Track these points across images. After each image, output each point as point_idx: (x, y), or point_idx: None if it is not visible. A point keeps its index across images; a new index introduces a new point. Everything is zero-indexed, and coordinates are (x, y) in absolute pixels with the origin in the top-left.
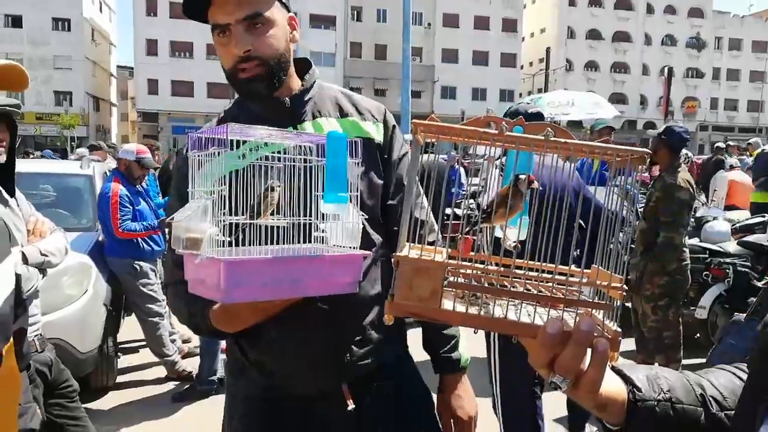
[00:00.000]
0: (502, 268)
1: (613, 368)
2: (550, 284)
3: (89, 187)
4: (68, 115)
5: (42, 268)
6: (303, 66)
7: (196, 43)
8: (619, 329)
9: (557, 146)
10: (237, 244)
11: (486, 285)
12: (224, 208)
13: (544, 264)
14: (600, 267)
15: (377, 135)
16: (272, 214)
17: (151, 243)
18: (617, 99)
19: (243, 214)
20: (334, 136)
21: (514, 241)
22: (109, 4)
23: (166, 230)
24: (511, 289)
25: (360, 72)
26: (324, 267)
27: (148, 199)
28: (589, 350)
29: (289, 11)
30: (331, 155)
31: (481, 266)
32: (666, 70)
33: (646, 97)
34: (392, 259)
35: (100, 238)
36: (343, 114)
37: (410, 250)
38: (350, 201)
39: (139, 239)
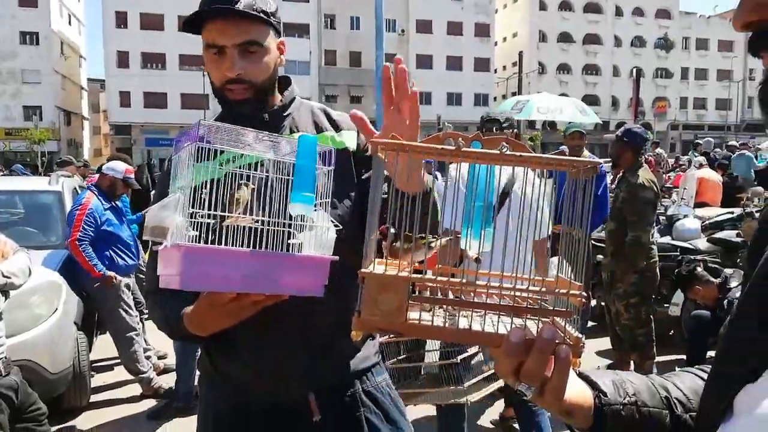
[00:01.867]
0: (465, 280)
1: (579, 374)
2: (513, 293)
3: (58, 204)
4: (38, 129)
5: (4, 290)
6: (282, 82)
7: (168, 55)
8: (581, 335)
9: (513, 160)
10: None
11: (452, 296)
12: (201, 209)
13: (506, 274)
14: (560, 274)
15: (351, 143)
16: (246, 214)
17: (125, 257)
18: (590, 101)
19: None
20: (305, 139)
21: (477, 252)
22: (78, 17)
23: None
24: (475, 300)
25: (335, 79)
26: (289, 265)
27: (124, 216)
28: (552, 357)
29: (279, 36)
30: (300, 156)
31: (445, 279)
32: (634, 71)
33: (617, 98)
34: (358, 275)
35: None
36: (319, 129)
37: (376, 266)
38: (322, 208)
39: (112, 253)
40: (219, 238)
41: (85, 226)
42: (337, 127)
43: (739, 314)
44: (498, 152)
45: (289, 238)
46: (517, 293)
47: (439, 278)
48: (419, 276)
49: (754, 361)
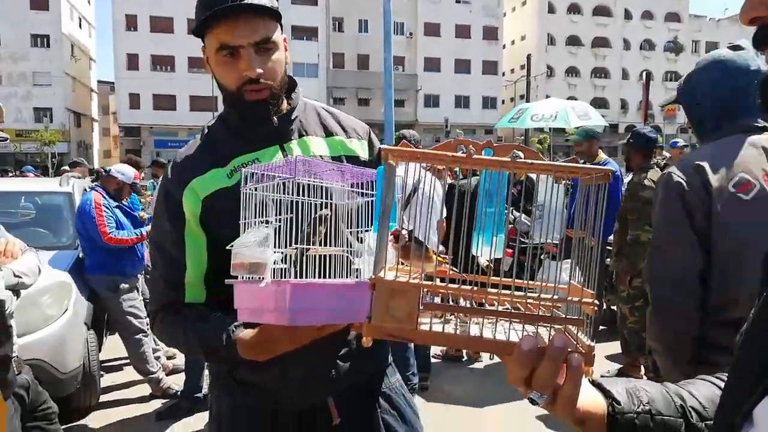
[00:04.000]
0: (476, 287)
1: (592, 382)
2: (525, 300)
3: (69, 205)
4: (48, 131)
5: (15, 289)
6: (288, 83)
7: (177, 57)
8: (593, 344)
9: (523, 167)
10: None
11: (463, 302)
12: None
13: (518, 281)
14: (573, 281)
15: (363, 152)
16: (320, 243)
17: (133, 257)
18: (598, 104)
19: (294, 244)
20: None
21: (489, 259)
22: (88, 20)
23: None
24: (487, 307)
25: (343, 82)
26: (368, 294)
27: (129, 214)
28: (565, 365)
29: (282, 32)
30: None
31: (456, 286)
32: (644, 74)
33: (626, 101)
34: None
35: (81, 256)
36: (328, 133)
37: (387, 272)
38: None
39: (120, 253)
40: (301, 268)
41: (107, 220)
42: (345, 131)
43: (754, 324)
44: (509, 159)
45: (352, 263)
46: (529, 300)
47: (450, 285)
48: (430, 283)
49: None
